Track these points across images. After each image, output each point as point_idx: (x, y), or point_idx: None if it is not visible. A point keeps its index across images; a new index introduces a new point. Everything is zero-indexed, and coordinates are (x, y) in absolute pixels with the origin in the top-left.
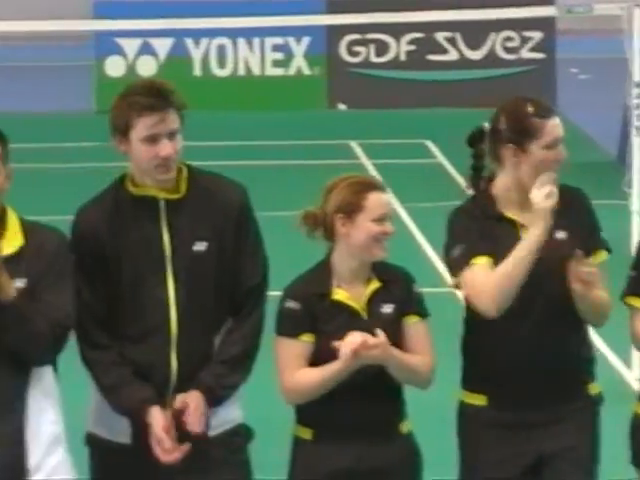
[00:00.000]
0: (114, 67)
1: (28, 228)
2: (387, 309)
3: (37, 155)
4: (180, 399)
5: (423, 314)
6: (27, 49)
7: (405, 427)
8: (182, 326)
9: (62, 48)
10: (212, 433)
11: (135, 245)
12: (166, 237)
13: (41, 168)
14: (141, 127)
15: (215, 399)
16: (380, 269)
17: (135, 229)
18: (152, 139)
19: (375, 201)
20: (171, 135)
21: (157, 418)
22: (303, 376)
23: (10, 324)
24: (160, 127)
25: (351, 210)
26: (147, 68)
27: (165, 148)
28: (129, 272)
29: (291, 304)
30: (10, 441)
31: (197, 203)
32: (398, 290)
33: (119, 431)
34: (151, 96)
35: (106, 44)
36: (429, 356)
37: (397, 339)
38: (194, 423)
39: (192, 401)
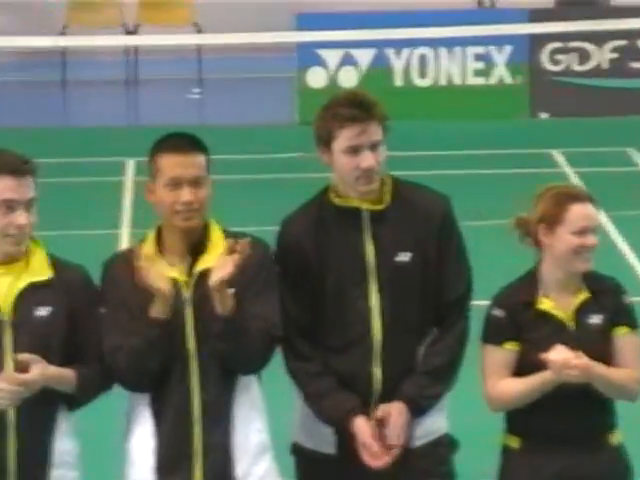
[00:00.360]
0: (316, 78)
1: (228, 239)
2: (596, 320)
3: (242, 166)
4: (382, 409)
5: (633, 325)
6: (231, 61)
7: (615, 438)
8: (386, 337)
9: (265, 60)
10: (417, 444)
11: (339, 256)
12: (370, 248)
13: (246, 179)
14: (343, 138)
15: (418, 410)
16: (590, 279)
17: (339, 240)
18: (354, 150)
19: (576, 214)
20: (373, 146)
21: (362, 427)
22: (507, 385)
23: (226, 335)
24: (362, 138)
25: (552, 221)
26: (348, 79)
27: (366, 159)
28: (332, 283)
29: (496, 312)
30: (218, 450)
31: (400, 214)
32: (608, 301)
33: (324, 441)
34: (353, 107)
35: (308, 55)
36: (638, 370)
37: (605, 351)
38: (393, 436)
39: (394, 412)
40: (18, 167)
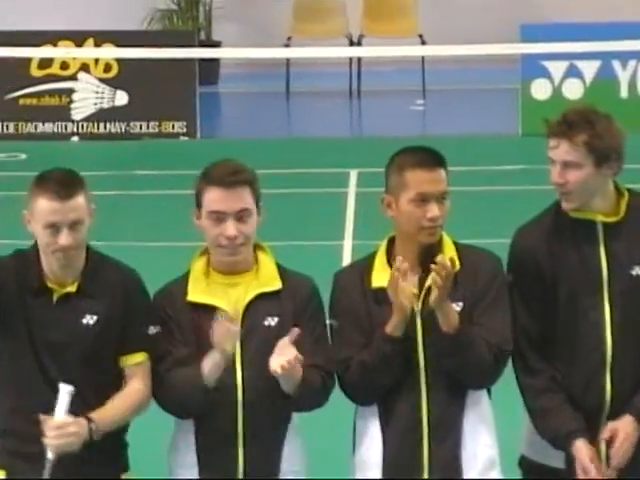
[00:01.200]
0: (540, 90)
1: (463, 252)
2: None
3: (466, 178)
4: (609, 428)
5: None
6: (455, 72)
7: None
8: (616, 349)
9: (488, 71)
10: None
11: (572, 267)
12: (603, 260)
13: (471, 191)
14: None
15: None
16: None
17: (573, 251)
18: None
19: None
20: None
21: (583, 450)
22: None
23: (453, 351)
24: (556, 154)
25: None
26: (573, 91)
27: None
28: (564, 293)
29: None
30: (446, 464)
31: (635, 227)
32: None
33: (553, 455)
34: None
35: (532, 67)
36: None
37: None
38: (617, 457)
39: (622, 430)
40: (225, 178)
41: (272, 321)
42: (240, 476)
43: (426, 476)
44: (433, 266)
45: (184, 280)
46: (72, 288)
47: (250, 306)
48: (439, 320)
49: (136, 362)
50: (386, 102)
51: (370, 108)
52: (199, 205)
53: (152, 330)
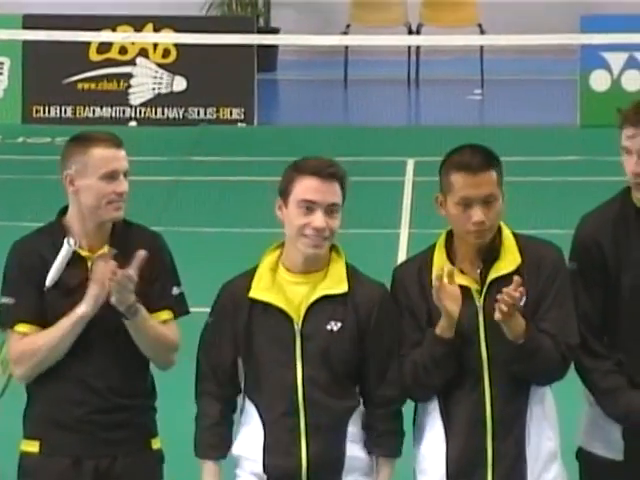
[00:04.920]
0: (599, 81)
1: (524, 244)
2: None
3: (524, 168)
4: None
5: None
6: (513, 62)
7: None
8: None
9: (547, 61)
10: None
11: (637, 256)
12: None
13: (529, 182)
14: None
15: None
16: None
17: (637, 241)
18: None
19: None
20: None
21: None
22: None
23: (521, 359)
24: (634, 143)
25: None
26: (632, 83)
27: (638, 165)
28: (628, 281)
29: None
30: (510, 459)
31: None
32: None
33: (612, 447)
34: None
35: (592, 58)
36: None
37: None
38: None
39: None
40: (323, 170)
41: (335, 326)
42: (304, 467)
43: (490, 472)
44: (499, 296)
45: (250, 274)
46: (103, 250)
47: (313, 307)
48: (505, 330)
49: (162, 320)
50: (444, 91)
51: (428, 97)
52: (286, 194)
53: (175, 291)
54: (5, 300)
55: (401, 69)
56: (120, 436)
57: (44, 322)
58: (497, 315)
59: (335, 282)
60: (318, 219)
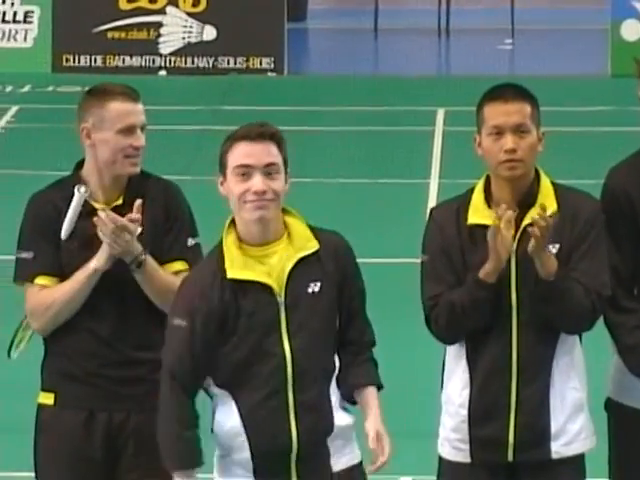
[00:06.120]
0: (630, 31)
1: (562, 194)
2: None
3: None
4: None
5: None
6: (544, 12)
7: None
8: None
9: (578, 11)
10: None
11: None
12: None
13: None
14: None
15: None
16: None
17: None
18: None
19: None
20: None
21: None
22: None
23: (550, 298)
24: None
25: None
26: None
27: None
28: None
29: None
30: (534, 405)
31: None
32: None
33: (638, 398)
34: None
35: (623, 8)
36: None
37: None
38: None
39: None
40: (252, 132)
41: (315, 287)
42: (294, 444)
43: (513, 417)
44: (533, 217)
45: (217, 258)
46: (118, 201)
47: (292, 274)
48: (537, 267)
49: (175, 270)
50: (474, 41)
51: (458, 47)
52: (224, 168)
53: (191, 242)
54: (24, 255)
55: (431, 18)
56: (134, 391)
57: (62, 274)
58: (530, 245)
59: (304, 242)
60: (257, 183)
